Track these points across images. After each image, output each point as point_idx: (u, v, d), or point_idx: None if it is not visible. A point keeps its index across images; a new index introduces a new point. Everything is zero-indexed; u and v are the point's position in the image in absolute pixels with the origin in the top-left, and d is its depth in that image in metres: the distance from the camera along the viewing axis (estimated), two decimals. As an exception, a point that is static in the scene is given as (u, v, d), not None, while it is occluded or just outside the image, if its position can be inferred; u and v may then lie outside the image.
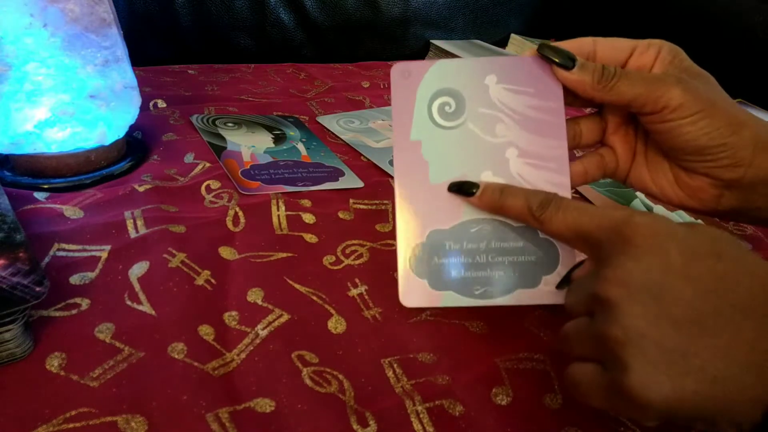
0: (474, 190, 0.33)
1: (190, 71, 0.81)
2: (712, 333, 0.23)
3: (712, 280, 0.23)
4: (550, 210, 0.30)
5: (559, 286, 0.33)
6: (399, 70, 0.34)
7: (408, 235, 0.34)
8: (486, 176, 0.34)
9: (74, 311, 0.34)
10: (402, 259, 0.34)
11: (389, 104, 0.81)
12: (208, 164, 0.53)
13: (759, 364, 0.22)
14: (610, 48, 0.33)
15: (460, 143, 0.34)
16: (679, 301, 0.23)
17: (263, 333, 0.34)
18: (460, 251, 0.33)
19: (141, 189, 0.47)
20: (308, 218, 0.46)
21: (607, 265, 0.25)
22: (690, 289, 0.23)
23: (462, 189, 0.33)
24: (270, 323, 0.35)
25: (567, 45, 0.33)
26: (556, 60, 0.32)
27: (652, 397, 0.23)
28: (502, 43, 1.10)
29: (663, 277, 0.24)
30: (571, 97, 0.34)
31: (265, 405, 0.30)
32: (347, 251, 0.43)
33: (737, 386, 0.22)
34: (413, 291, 0.34)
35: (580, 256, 0.31)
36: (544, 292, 0.33)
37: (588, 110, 0.37)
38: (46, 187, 0.46)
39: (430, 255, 0.34)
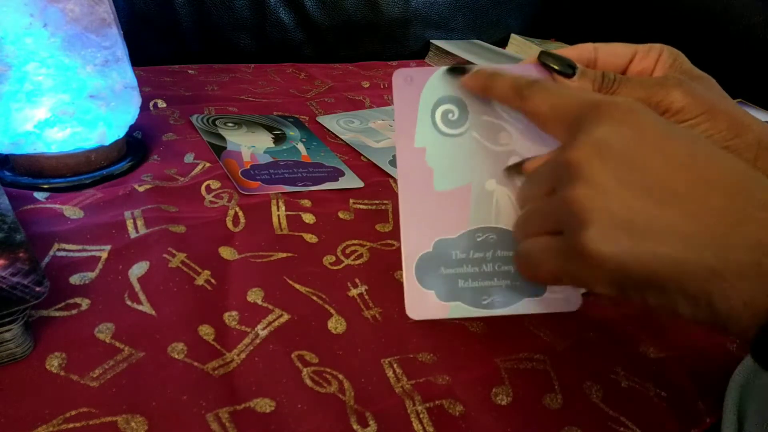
0: (466, 71, 0.33)
1: (190, 71, 0.81)
2: (681, 200, 0.22)
3: (686, 157, 0.23)
4: (536, 87, 0.29)
5: (507, 170, 0.33)
6: (402, 76, 0.34)
7: (414, 245, 0.33)
8: (490, 184, 0.33)
9: (74, 311, 0.34)
10: (408, 269, 0.33)
11: (389, 104, 0.81)
12: (208, 164, 0.53)
13: (723, 234, 0.22)
14: (610, 54, 0.33)
15: (464, 151, 0.34)
16: (650, 169, 0.23)
17: (263, 333, 0.34)
18: (467, 260, 0.33)
19: (141, 189, 0.47)
20: (308, 218, 0.46)
21: (580, 133, 0.25)
22: (662, 161, 0.23)
23: (455, 71, 0.33)
24: (270, 323, 0.35)
25: (567, 52, 0.33)
26: (556, 68, 0.32)
27: (607, 252, 0.22)
28: (502, 43, 1.10)
29: (636, 147, 0.23)
30: None
31: (265, 405, 0.30)
32: (347, 251, 0.43)
33: (698, 253, 0.22)
34: (420, 303, 0.33)
35: None
36: (551, 299, 0.33)
37: None
38: (46, 187, 0.46)
39: (436, 265, 0.33)
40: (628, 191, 0.23)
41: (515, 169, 0.33)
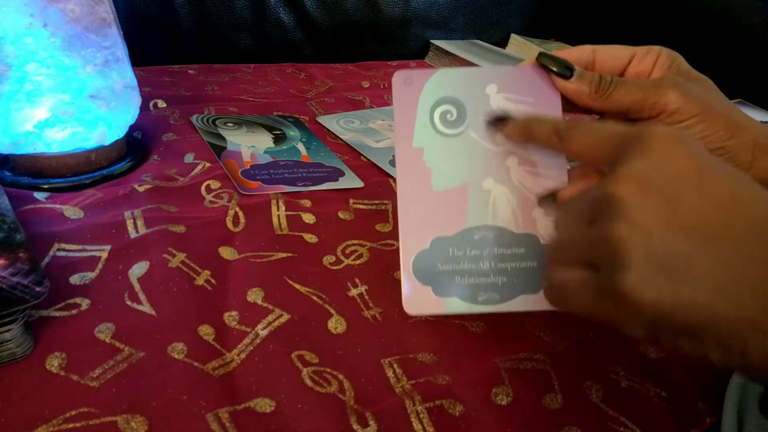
0: (507, 121, 0.33)
1: (190, 71, 0.81)
2: (720, 245, 0.22)
3: (727, 197, 0.22)
4: (575, 128, 0.29)
5: (543, 200, 0.33)
6: (401, 77, 0.34)
7: (411, 242, 0.34)
8: (488, 184, 0.34)
9: (74, 311, 0.34)
10: (405, 266, 0.34)
11: (389, 104, 0.81)
12: (208, 164, 0.53)
13: (762, 283, 0.21)
14: (609, 56, 0.33)
15: (462, 151, 0.34)
16: (690, 208, 0.22)
17: (263, 333, 0.34)
18: (464, 258, 0.33)
19: (141, 189, 0.47)
20: (308, 218, 0.46)
21: (621, 165, 0.24)
22: (704, 200, 0.22)
23: (498, 120, 0.33)
24: (270, 323, 0.35)
25: (566, 54, 0.33)
26: (554, 69, 0.32)
27: (647, 298, 0.22)
28: (502, 43, 1.10)
29: (677, 183, 0.23)
30: (571, 105, 0.34)
31: (265, 405, 0.30)
32: (347, 251, 0.43)
33: (735, 301, 0.21)
34: (417, 298, 0.34)
35: None
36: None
37: (588, 117, 0.37)
38: (46, 187, 0.46)
39: (433, 262, 0.34)
40: (667, 232, 0.22)
41: (551, 198, 0.32)
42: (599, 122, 0.29)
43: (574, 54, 0.33)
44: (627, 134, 0.26)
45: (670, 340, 0.23)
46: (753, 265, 0.21)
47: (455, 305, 0.33)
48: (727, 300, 0.21)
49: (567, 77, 0.32)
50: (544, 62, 0.33)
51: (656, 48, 0.33)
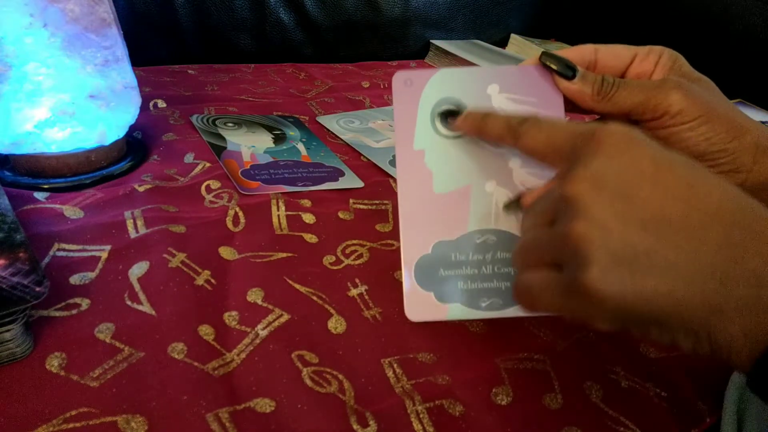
0: (457, 114, 0.33)
1: (190, 71, 0.81)
2: (679, 234, 0.22)
3: (683, 188, 0.23)
4: (528, 124, 0.29)
5: (506, 207, 0.33)
6: (401, 78, 0.34)
7: (413, 247, 0.33)
8: (490, 186, 0.33)
9: (74, 311, 0.34)
10: (407, 271, 0.33)
11: (389, 104, 0.81)
12: (208, 164, 0.53)
13: (723, 268, 0.22)
14: (611, 56, 0.33)
15: (464, 153, 0.34)
16: (647, 203, 0.23)
17: (263, 333, 0.34)
18: (466, 262, 0.33)
19: (141, 189, 0.47)
20: (308, 218, 0.46)
21: (576, 165, 0.25)
22: (660, 193, 0.23)
23: (447, 114, 0.33)
24: (270, 323, 0.35)
25: (568, 54, 0.33)
26: (557, 69, 0.32)
27: (610, 291, 0.22)
28: (502, 43, 1.10)
29: (633, 179, 0.23)
30: (573, 105, 0.34)
31: (265, 405, 0.30)
32: (347, 251, 0.43)
33: (699, 289, 0.22)
34: (419, 304, 0.33)
35: None
36: None
37: (588, 118, 0.37)
38: (46, 187, 0.46)
39: (435, 267, 0.33)
40: (626, 226, 0.23)
41: (515, 204, 0.33)
42: (553, 120, 0.29)
43: (576, 53, 0.33)
44: (581, 133, 0.26)
45: (638, 331, 0.24)
46: (712, 251, 0.22)
47: (457, 311, 0.33)
48: (690, 287, 0.22)
49: (569, 78, 0.32)
50: (546, 62, 0.33)
51: (658, 48, 0.33)
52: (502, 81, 0.34)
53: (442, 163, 0.34)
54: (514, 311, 0.33)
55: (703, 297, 0.22)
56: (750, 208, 0.23)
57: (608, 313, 0.23)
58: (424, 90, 0.34)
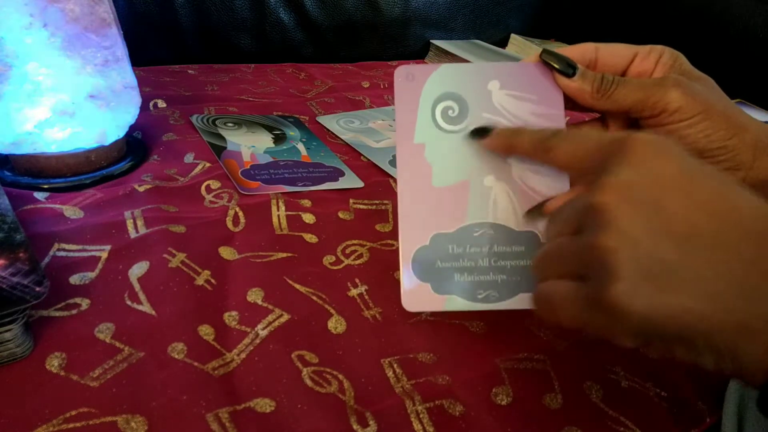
0: (488, 133, 0.33)
1: (190, 71, 0.81)
2: (709, 249, 0.22)
3: (714, 201, 0.22)
4: (558, 138, 0.29)
5: (529, 213, 0.33)
6: (402, 73, 0.34)
7: (411, 239, 0.34)
8: (489, 180, 0.34)
9: (74, 311, 0.34)
10: (404, 262, 0.34)
11: (389, 104, 0.81)
12: (208, 164, 0.53)
13: (753, 285, 0.21)
14: (611, 54, 0.33)
15: (463, 147, 0.34)
16: (677, 216, 0.22)
17: (263, 333, 0.34)
18: (464, 255, 0.33)
19: (141, 189, 0.47)
20: (308, 218, 0.46)
21: (605, 174, 0.24)
22: (690, 206, 0.22)
23: (478, 133, 0.33)
24: (270, 323, 0.35)
25: (569, 51, 0.33)
26: (557, 66, 0.32)
27: (637, 308, 0.22)
28: (502, 43, 1.10)
29: (662, 190, 0.23)
30: (573, 103, 0.34)
31: (265, 405, 0.30)
32: (347, 251, 0.43)
33: (727, 307, 0.21)
34: (416, 295, 0.34)
35: None
36: None
37: (588, 117, 0.37)
38: (46, 187, 0.46)
39: (433, 259, 0.34)
40: (655, 240, 0.22)
41: (537, 211, 0.32)
42: (582, 131, 0.29)
43: (577, 52, 0.33)
44: (610, 142, 0.25)
45: (662, 347, 0.23)
46: (742, 268, 0.21)
47: (454, 302, 0.33)
48: (718, 305, 0.21)
49: (569, 75, 0.32)
50: (547, 59, 0.33)
51: (658, 47, 0.33)
52: (502, 77, 0.34)
53: (441, 157, 0.34)
54: (510, 304, 0.33)
55: (730, 315, 0.21)
56: None
57: (633, 330, 0.23)
58: (426, 85, 0.34)
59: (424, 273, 0.34)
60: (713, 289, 0.21)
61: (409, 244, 0.34)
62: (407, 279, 0.34)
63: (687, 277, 0.21)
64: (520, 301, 0.33)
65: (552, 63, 0.33)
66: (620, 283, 0.22)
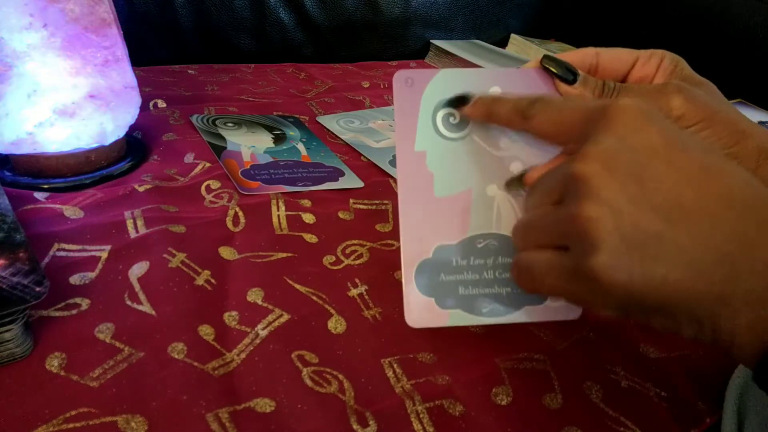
0: (468, 101, 0.32)
1: (190, 71, 0.81)
2: (692, 220, 0.21)
3: (696, 171, 0.22)
4: (538, 105, 0.28)
5: (509, 184, 0.32)
6: (402, 77, 0.33)
7: (413, 250, 0.33)
8: (491, 189, 0.33)
9: (74, 311, 0.34)
10: (407, 276, 0.33)
11: (389, 104, 0.81)
12: (208, 164, 0.53)
13: (733, 257, 0.21)
14: (612, 59, 0.33)
15: (465, 155, 0.33)
16: (660, 185, 0.22)
17: (263, 333, 0.34)
18: (468, 267, 0.33)
19: (141, 189, 0.47)
20: (308, 218, 0.46)
21: (588, 143, 0.24)
22: (673, 176, 0.22)
23: (457, 101, 0.33)
24: (270, 323, 0.35)
25: (569, 57, 0.33)
26: (558, 73, 0.32)
27: (619, 278, 0.22)
28: (502, 43, 1.10)
29: (646, 160, 0.22)
30: None
31: (265, 405, 0.30)
32: (347, 251, 0.43)
33: (708, 277, 0.21)
34: (419, 310, 0.33)
35: None
36: (552, 308, 0.33)
37: None
38: (46, 187, 0.46)
39: (436, 272, 0.33)
40: (637, 209, 0.22)
41: (517, 181, 0.32)
42: (563, 98, 0.28)
43: (578, 57, 0.33)
44: (592, 110, 0.25)
45: (641, 317, 0.23)
46: (724, 238, 0.21)
47: (459, 317, 0.33)
48: (699, 276, 0.21)
49: (570, 82, 0.32)
50: (547, 65, 0.32)
51: (659, 52, 0.32)
52: (503, 83, 0.34)
53: (443, 166, 0.33)
54: (515, 317, 0.33)
55: (711, 286, 0.21)
56: (763, 196, 0.22)
57: (614, 300, 0.23)
58: (426, 90, 0.33)
59: (427, 287, 0.33)
60: (694, 260, 0.21)
61: (411, 256, 0.33)
62: (411, 294, 0.33)
63: (669, 248, 0.21)
64: (526, 315, 0.33)
65: (553, 69, 0.32)
66: (602, 254, 0.22)
